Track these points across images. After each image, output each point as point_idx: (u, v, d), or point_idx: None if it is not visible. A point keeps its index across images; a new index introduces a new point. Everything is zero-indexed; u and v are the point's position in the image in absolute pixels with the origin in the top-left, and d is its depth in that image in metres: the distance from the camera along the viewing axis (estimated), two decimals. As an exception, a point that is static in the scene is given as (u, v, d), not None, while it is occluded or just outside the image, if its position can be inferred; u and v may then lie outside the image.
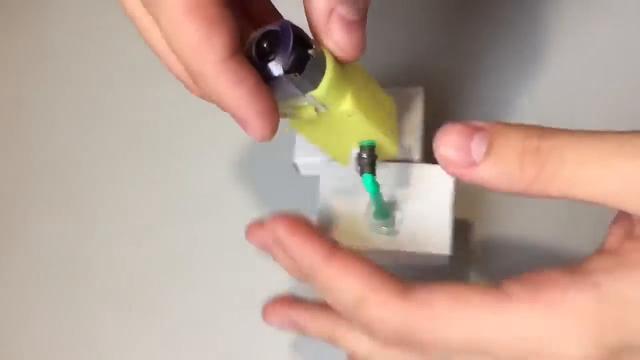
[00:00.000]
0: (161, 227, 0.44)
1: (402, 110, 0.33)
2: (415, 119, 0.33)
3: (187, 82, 0.26)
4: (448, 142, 0.23)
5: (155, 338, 0.41)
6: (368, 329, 0.24)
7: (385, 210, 0.31)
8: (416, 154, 0.33)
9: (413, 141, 0.33)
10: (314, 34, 0.25)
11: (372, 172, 0.29)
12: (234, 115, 0.24)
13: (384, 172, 0.31)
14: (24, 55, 0.52)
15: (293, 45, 0.24)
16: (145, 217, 0.44)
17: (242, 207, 0.44)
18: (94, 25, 0.51)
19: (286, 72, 0.24)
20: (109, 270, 0.43)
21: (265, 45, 0.25)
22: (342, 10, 0.23)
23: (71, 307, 0.42)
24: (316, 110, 0.27)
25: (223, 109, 0.24)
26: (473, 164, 0.22)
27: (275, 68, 0.25)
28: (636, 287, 0.21)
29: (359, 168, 0.29)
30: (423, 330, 0.23)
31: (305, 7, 0.24)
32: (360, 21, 0.24)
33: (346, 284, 0.24)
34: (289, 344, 0.39)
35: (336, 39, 0.24)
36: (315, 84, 0.26)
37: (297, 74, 0.25)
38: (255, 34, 0.25)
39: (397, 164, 0.32)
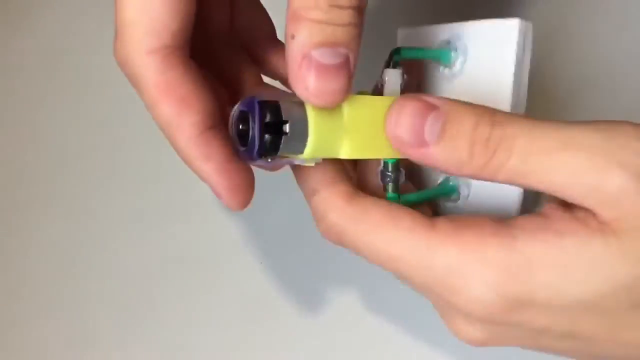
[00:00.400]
0: (162, 227, 0.44)
1: (491, 51, 0.28)
2: (504, 64, 0.27)
3: None
4: (401, 122, 0.23)
5: (155, 338, 0.41)
6: (314, 218, 0.26)
7: (446, 193, 0.29)
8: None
9: (500, 96, 0.27)
10: (290, 82, 0.23)
11: (397, 191, 0.27)
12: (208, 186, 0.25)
13: None
14: (25, 55, 0.52)
15: (261, 129, 0.23)
16: (145, 217, 0.45)
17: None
18: (95, 25, 0.51)
19: (260, 155, 0.24)
20: (109, 270, 0.43)
21: (241, 126, 0.24)
22: (317, 55, 0.22)
23: (71, 306, 0.43)
24: (314, 162, 0.25)
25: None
26: (424, 144, 0.23)
27: (248, 153, 0.24)
28: (547, 250, 0.22)
29: (382, 185, 0.27)
30: (352, 233, 0.25)
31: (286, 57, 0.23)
32: (341, 65, 0.22)
33: (309, 175, 0.26)
34: (289, 343, 0.39)
35: (309, 85, 0.22)
36: (299, 150, 0.24)
37: (271, 157, 0.24)
38: (233, 113, 0.25)
39: None
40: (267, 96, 0.24)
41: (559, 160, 0.22)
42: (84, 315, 0.42)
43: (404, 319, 0.38)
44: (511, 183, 0.23)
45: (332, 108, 0.23)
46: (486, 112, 0.23)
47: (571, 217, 0.22)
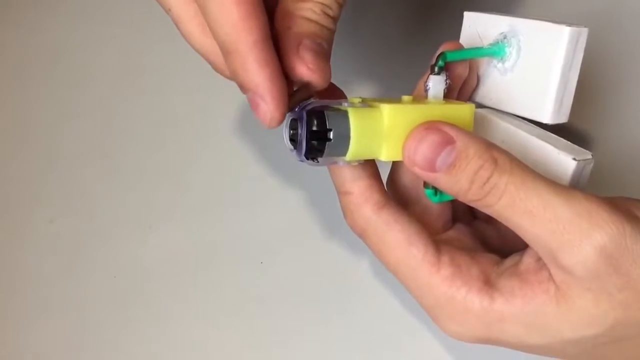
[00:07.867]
0: (161, 227, 0.44)
1: (542, 52, 0.30)
2: (552, 68, 0.30)
3: (218, 62, 0.29)
4: (420, 151, 0.27)
5: (156, 338, 0.41)
6: (343, 210, 0.30)
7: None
8: (545, 114, 0.30)
9: (541, 100, 0.30)
10: (290, 65, 0.27)
11: (434, 187, 0.30)
12: (252, 94, 0.27)
13: (500, 134, 0.31)
14: (27, 55, 0.52)
15: (309, 136, 0.26)
16: (145, 217, 0.45)
17: (242, 207, 0.44)
18: (97, 26, 0.51)
19: (308, 157, 0.27)
20: (110, 270, 0.43)
21: (292, 131, 0.27)
22: (308, 42, 0.27)
23: (71, 306, 0.43)
24: (357, 162, 0.28)
25: (244, 87, 0.27)
26: (434, 170, 0.27)
27: (298, 154, 0.27)
28: (515, 313, 0.27)
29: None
30: (371, 241, 0.29)
31: (279, 43, 0.27)
32: (325, 53, 0.27)
33: (344, 171, 0.29)
34: (289, 343, 0.39)
35: (307, 60, 0.27)
36: (342, 153, 0.27)
37: (317, 159, 0.27)
38: (286, 120, 0.27)
39: (519, 132, 0.31)
40: (314, 104, 0.27)
41: (529, 223, 0.26)
42: (84, 315, 0.42)
43: (405, 320, 0.38)
44: (496, 218, 0.27)
45: (324, 85, 0.27)
46: (491, 158, 0.26)
47: (537, 281, 0.27)
